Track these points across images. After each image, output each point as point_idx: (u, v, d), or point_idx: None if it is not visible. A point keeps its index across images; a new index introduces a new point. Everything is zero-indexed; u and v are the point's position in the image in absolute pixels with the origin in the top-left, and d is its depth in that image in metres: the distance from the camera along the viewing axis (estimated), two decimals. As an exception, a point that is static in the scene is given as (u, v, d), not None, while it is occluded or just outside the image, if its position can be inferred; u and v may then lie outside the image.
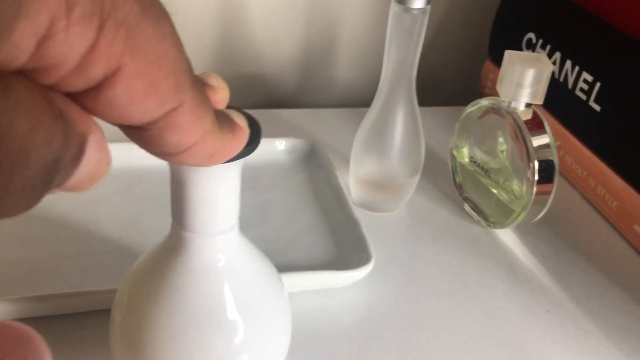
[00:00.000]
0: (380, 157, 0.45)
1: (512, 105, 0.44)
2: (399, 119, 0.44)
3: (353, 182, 0.47)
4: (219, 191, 0.24)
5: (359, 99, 0.67)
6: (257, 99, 0.66)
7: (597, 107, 0.49)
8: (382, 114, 0.44)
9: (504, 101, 0.44)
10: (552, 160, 0.43)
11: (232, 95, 0.20)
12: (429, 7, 0.42)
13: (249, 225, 0.43)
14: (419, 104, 0.45)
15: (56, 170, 0.12)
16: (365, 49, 0.65)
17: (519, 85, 0.42)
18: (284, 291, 0.30)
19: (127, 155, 0.47)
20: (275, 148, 0.50)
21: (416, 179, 0.47)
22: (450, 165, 0.50)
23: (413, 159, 0.46)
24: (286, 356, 0.30)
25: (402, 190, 0.47)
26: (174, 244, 0.26)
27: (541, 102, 0.43)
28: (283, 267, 0.38)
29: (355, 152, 0.46)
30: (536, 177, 0.43)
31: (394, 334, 0.37)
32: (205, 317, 0.26)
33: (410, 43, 0.42)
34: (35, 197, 0.12)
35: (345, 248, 0.42)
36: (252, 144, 0.21)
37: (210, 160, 0.18)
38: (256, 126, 0.22)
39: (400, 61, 0.43)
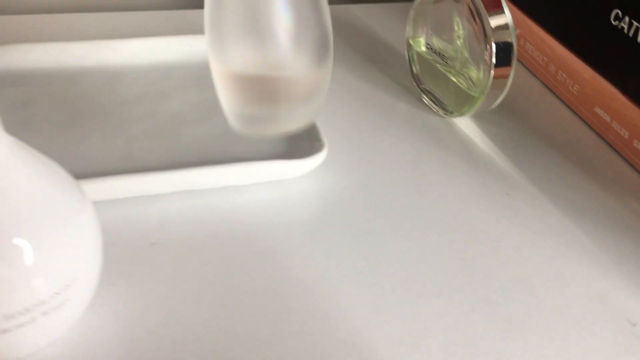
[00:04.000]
0: (256, 37, 0.30)
1: (468, -17, 0.41)
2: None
3: (220, 81, 0.32)
4: None
5: None
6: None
7: (557, -11, 0.47)
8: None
9: (459, -21, 0.41)
10: (510, 42, 0.41)
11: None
12: None
13: (194, 122, 0.41)
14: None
15: None
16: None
17: (474, -40, 0.40)
18: (86, 204, 0.25)
19: (62, 55, 0.44)
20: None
21: (325, 70, 0.31)
22: (407, 56, 0.48)
23: (312, 32, 0.30)
24: (101, 273, 0.27)
25: (300, 87, 0.32)
26: None
27: (498, -22, 0.41)
28: (231, 161, 0.37)
29: (212, 34, 0.30)
30: (494, 60, 0.41)
31: (349, 223, 0.36)
32: None
33: None
34: None
35: (296, 141, 0.40)
36: None
37: None
38: None
39: None
